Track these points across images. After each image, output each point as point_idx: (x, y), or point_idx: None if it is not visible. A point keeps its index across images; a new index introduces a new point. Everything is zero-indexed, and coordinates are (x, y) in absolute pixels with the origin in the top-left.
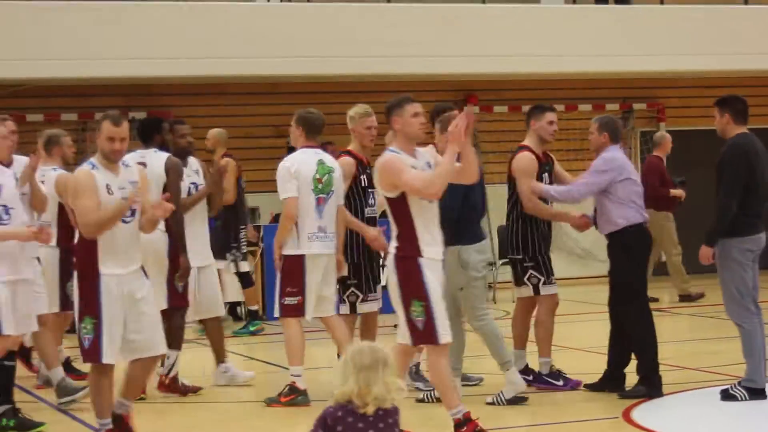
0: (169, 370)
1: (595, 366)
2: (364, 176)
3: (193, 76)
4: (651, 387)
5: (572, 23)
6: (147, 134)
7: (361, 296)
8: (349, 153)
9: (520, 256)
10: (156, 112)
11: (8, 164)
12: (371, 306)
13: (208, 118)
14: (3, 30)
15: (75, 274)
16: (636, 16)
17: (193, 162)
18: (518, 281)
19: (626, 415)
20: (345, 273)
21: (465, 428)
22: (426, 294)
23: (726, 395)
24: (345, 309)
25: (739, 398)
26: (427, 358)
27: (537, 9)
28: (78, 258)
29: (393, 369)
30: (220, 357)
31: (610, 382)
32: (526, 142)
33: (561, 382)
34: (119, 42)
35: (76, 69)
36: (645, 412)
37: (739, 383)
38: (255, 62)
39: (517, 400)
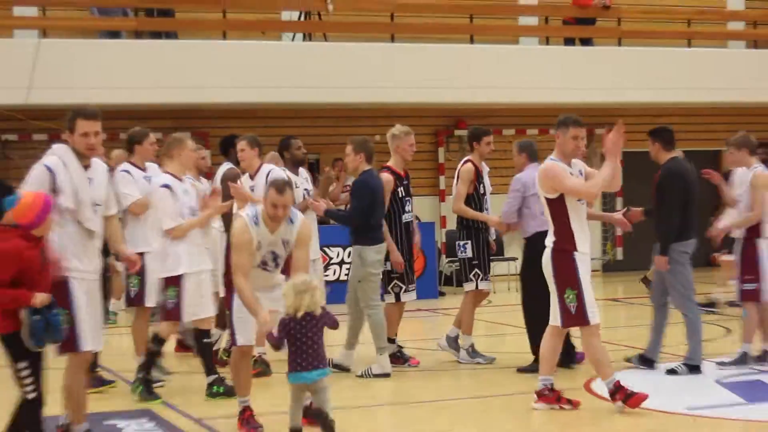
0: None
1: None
2: (401, 188)
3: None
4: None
5: (545, 61)
6: (224, 149)
7: (403, 287)
8: (389, 169)
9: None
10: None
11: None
12: (411, 296)
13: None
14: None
15: None
16: (600, 55)
17: (302, 171)
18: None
19: (587, 386)
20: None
21: (618, 394)
22: (578, 283)
23: (670, 371)
24: (390, 298)
25: (680, 372)
26: (582, 338)
27: (516, 49)
28: None
29: (320, 291)
30: None
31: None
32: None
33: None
34: (166, 73)
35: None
36: (602, 384)
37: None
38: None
39: (382, 377)
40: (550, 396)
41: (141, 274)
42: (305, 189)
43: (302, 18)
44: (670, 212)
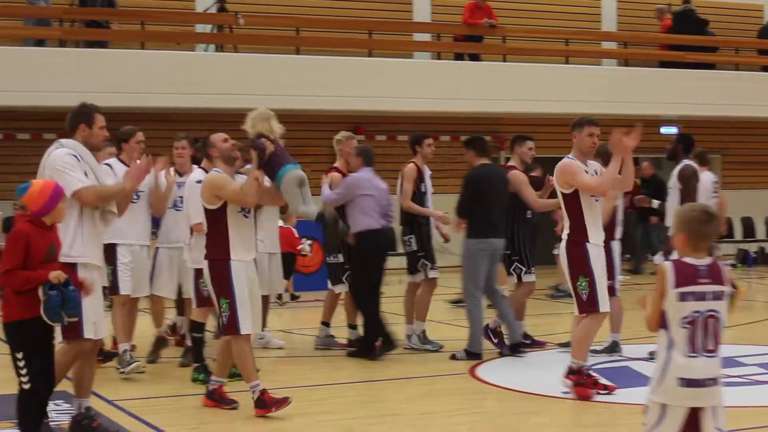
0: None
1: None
2: None
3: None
4: (368, 351)
5: (437, 74)
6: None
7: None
8: (336, 169)
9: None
10: None
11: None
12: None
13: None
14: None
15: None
16: (487, 70)
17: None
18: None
19: (472, 372)
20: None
21: (575, 376)
22: (590, 271)
23: (452, 356)
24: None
25: (459, 358)
26: (584, 321)
27: (410, 62)
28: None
29: (275, 119)
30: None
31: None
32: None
33: (496, 340)
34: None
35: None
36: (486, 369)
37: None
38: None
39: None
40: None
41: (113, 264)
42: None
43: (215, 30)
44: (468, 210)
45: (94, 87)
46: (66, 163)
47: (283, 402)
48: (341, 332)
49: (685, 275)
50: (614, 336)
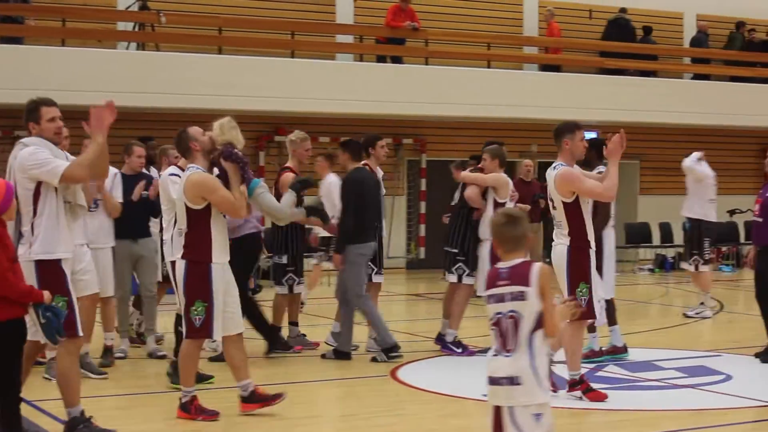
0: None
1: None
2: None
3: None
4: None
5: (359, 76)
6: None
7: (297, 279)
8: (289, 169)
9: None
10: None
11: None
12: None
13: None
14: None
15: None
16: (409, 73)
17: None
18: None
19: (393, 374)
20: None
21: (579, 386)
22: (590, 278)
23: (372, 359)
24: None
25: (379, 360)
26: (568, 332)
27: (333, 64)
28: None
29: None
30: None
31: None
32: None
33: (460, 350)
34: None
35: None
36: (407, 372)
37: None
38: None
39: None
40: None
41: None
42: None
43: (137, 28)
44: (345, 216)
45: (12, 84)
46: (37, 159)
47: (213, 415)
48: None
49: (490, 278)
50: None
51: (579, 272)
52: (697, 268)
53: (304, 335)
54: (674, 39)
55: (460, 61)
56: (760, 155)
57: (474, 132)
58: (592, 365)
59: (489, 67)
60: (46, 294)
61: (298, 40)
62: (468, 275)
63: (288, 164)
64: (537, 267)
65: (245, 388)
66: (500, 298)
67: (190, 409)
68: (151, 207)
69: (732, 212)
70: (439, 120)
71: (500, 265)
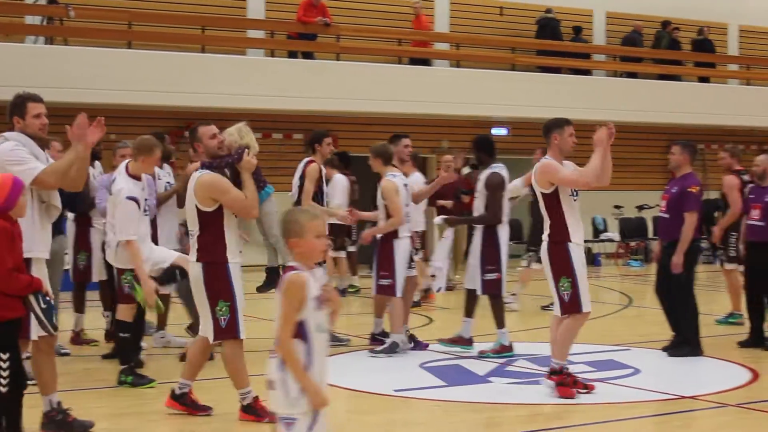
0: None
1: None
2: None
3: None
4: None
5: (270, 71)
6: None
7: None
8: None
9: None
10: None
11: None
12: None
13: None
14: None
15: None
16: (320, 68)
17: (166, 166)
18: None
19: None
20: None
21: (558, 376)
22: (572, 271)
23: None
24: None
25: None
26: (566, 322)
27: (244, 59)
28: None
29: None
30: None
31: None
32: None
33: (411, 344)
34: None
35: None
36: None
37: None
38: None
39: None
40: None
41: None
42: (167, 182)
43: (45, 22)
44: None
45: None
46: (15, 156)
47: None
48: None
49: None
50: (395, 336)
51: (559, 267)
52: (529, 264)
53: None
54: (587, 36)
55: (372, 57)
56: (667, 151)
57: (386, 128)
58: (502, 360)
59: (399, 63)
60: (44, 282)
61: (209, 35)
62: (409, 268)
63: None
64: (285, 277)
65: (182, 387)
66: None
67: (256, 410)
68: (71, 203)
69: (640, 207)
70: (351, 115)
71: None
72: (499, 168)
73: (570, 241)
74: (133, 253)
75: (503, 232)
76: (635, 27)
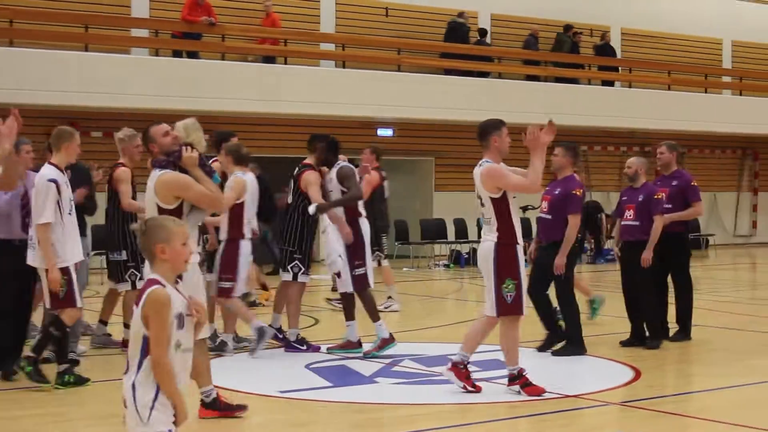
0: None
1: None
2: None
3: None
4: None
5: (154, 70)
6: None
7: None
8: (123, 164)
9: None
10: None
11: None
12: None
13: None
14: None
15: None
16: (202, 68)
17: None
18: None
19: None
20: None
21: (518, 380)
22: (519, 274)
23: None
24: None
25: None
26: (502, 326)
27: (128, 58)
28: None
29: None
30: None
31: None
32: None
33: (304, 347)
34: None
35: None
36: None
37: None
38: None
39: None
40: (520, 380)
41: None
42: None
43: None
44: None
45: None
46: None
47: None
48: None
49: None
50: (227, 336)
51: (506, 268)
52: (379, 263)
53: (110, 335)
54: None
55: (258, 57)
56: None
57: (273, 129)
58: (388, 360)
59: (286, 63)
60: None
61: (92, 33)
62: (303, 273)
63: (120, 161)
64: (147, 292)
65: (208, 394)
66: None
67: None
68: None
69: (524, 209)
70: (236, 116)
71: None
72: (347, 163)
73: (518, 243)
74: (44, 237)
75: (365, 225)
76: (532, 31)
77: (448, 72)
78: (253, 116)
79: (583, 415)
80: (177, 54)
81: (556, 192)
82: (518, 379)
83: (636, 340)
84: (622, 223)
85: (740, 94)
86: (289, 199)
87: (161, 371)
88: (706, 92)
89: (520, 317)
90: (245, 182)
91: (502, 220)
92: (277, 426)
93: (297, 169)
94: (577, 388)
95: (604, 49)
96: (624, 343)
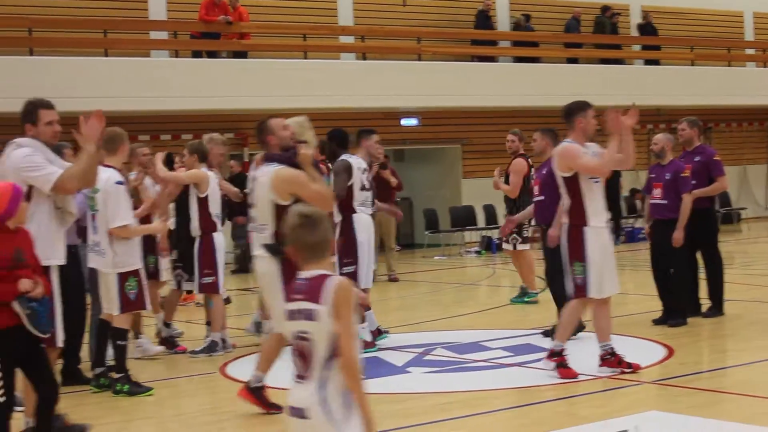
0: None
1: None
2: None
3: None
4: None
5: (175, 72)
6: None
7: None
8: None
9: None
10: None
11: None
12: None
13: None
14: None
15: None
16: (224, 66)
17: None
18: None
19: (222, 371)
20: None
21: (557, 357)
22: (585, 256)
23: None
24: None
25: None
26: (571, 304)
27: (149, 61)
28: None
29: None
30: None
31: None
32: None
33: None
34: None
35: None
36: (237, 368)
37: None
38: None
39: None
40: (612, 360)
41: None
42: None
43: None
44: None
45: None
46: (30, 162)
47: None
48: None
49: (289, 291)
50: (215, 335)
51: (575, 251)
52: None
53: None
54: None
55: (278, 54)
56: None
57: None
58: (422, 350)
59: (306, 58)
60: (24, 285)
61: (111, 38)
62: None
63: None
64: (333, 282)
65: (258, 380)
66: (292, 315)
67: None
68: None
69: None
70: (258, 113)
71: (300, 275)
72: (348, 157)
73: (587, 225)
74: (127, 235)
75: (361, 223)
76: (574, 14)
77: (482, 59)
78: (277, 112)
79: (617, 396)
80: (197, 54)
81: (543, 172)
82: (557, 356)
83: (668, 317)
84: (651, 201)
85: (764, 66)
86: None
87: (354, 372)
88: (729, 65)
89: (592, 299)
90: (208, 176)
91: (574, 201)
92: None
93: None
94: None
95: (646, 28)
96: (656, 322)
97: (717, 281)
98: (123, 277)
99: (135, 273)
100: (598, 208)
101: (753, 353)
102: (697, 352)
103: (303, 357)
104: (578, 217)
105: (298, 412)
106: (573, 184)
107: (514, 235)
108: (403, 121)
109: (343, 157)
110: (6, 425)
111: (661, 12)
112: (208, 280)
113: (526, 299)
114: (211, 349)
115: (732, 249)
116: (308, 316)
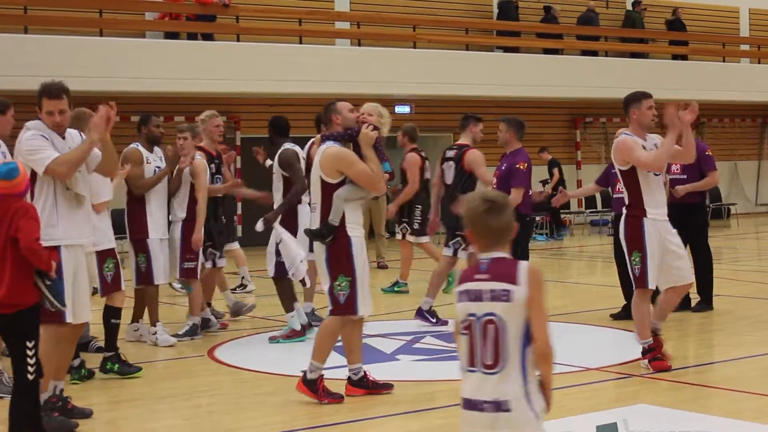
0: None
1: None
2: (213, 165)
3: None
4: None
5: (170, 53)
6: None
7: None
8: (201, 149)
9: None
10: None
11: None
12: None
13: None
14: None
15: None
16: (218, 50)
17: (158, 150)
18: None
19: (210, 354)
20: None
21: (649, 353)
22: (644, 247)
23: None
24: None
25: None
26: (634, 297)
27: (143, 42)
28: None
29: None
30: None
31: None
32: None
33: (434, 320)
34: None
35: None
36: (223, 351)
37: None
38: None
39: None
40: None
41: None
42: (156, 166)
43: None
44: None
45: None
46: (31, 145)
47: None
48: None
49: (466, 272)
50: (194, 318)
51: (633, 241)
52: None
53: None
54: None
55: (272, 38)
56: (572, 126)
57: (288, 108)
58: (410, 338)
59: (301, 43)
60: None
61: (106, 18)
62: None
63: (201, 144)
64: (526, 264)
65: (356, 372)
66: (474, 296)
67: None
68: None
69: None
70: (253, 96)
71: (481, 256)
72: (291, 145)
73: (646, 217)
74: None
75: (305, 214)
76: (589, 7)
77: (507, 50)
78: (270, 96)
79: (606, 388)
80: (192, 37)
81: (503, 167)
82: (648, 352)
83: (628, 312)
84: (615, 196)
85: (759, 63)
86: (450, 179)
87: (550, 358)
88: (724, 61)
89: (650, 290)
90: (206, 167)
91: (631, 193)
92: (297, 406)
93: (456, 150)
94: (599, 361)
95: (675, 24)
96: (615, 317)
97: (706, 276)
98: (101, 258)
99: (111, 253)
100: (656, 200)
101: (741, 349)
102: (686, 347)
103: (489, 342)
104: (637, 209)
105: (494, 406)
106: (631, 177)
107: (405, 225)
108: (397, 108)
109: (287, 145)
110: (38, 400)
111: (656, 6)
112: (189, 265)
113: (396, 288)
114: (193, 332)
115: (721, 244)
116: (499, 296)
